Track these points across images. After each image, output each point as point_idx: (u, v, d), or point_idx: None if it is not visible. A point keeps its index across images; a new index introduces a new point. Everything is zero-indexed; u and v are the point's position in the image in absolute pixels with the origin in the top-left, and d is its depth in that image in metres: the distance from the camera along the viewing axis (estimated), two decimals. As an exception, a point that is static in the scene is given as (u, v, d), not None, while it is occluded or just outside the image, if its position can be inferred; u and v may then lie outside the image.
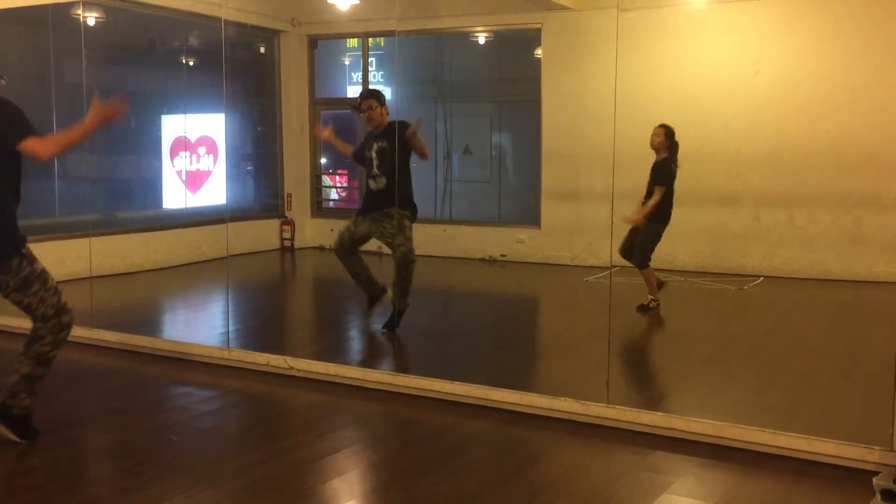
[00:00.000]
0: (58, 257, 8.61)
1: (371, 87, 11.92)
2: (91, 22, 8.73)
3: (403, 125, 6.22)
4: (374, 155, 6.35)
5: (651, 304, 7.37)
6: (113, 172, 10.41)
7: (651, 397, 5.01)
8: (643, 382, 5.35)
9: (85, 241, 7.89)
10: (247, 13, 10.63)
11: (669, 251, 9.66)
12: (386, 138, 6.32)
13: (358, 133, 11.70)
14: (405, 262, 6.27)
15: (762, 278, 9.09)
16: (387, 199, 6.28)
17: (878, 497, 3.50)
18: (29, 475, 3.82)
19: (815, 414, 4.73)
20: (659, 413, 4.38)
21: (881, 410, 3.95)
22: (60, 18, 8.56)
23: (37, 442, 4.20)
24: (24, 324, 6.65)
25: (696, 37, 9.51)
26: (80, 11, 8.15)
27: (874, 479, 3.56)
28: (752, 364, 5.89)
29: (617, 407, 4.47)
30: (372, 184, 6.42)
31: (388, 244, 6.45)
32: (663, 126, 7.28)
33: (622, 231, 7.46)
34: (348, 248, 6.50)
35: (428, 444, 4.28)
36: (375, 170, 6.34)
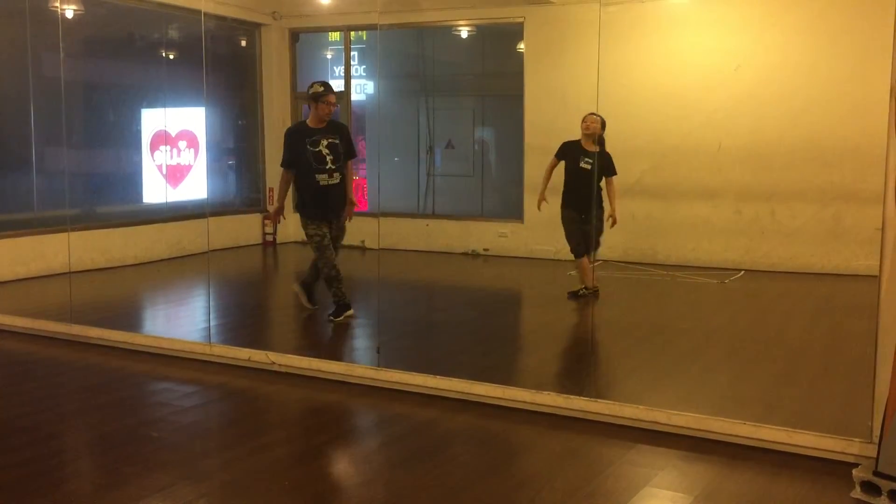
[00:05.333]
0: (36, 252, 8.56)
1: (352, 80, 11.88)
2: (69, 14, 8.63)
3: (339, 122, 6.51)
4: (325, 150, 6.36)
5: (582, 293, 7.48)
6: (92, 167, 10.31)
7: (633, 391, 5.02)
8: (625, 376, 5.36)
9: (64, 235, 7.81)
10: (227, 6, 10.55)
11: (651, 245, 9.72)
12: (336, 134, 6.42)
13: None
14: (337, 241, 6.59)
15: (743, 272, 9.15)
16: (341, 198, 6.46)
17: (858, 489, 3.53)
18: (7, 472, 3.78)
19: (796, 407, 4.77)
20: (641, 406, 4.39)
21: (861, 403, 3.98)
22: (38, 10, 8.46)
23: (15, 438, 4.15)
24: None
25: (678, 31, 9.54)
26: (57, 4, 8.05)
27: (854, 471, 3.59)
28: (733, 357, 5.92)
29: (599, 400, 4.48)
30: (323, 179, 6.39)
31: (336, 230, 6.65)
32: (596, 114, 7.29)
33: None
34: (335, 253, 6.65)
35: (411, 439, 4.27)
36: (330, 165, 6.36)
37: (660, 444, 4.14)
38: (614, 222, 7.30)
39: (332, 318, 6.69)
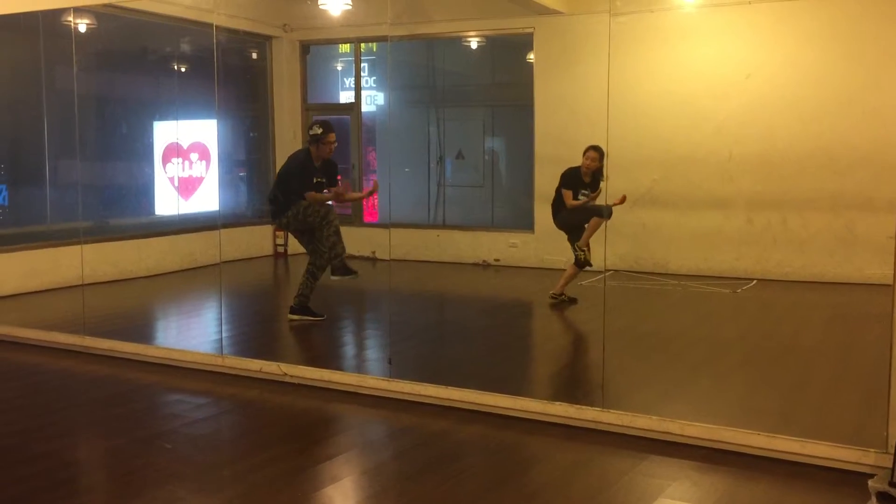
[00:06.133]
0: (50, 265, 8.62)
1: (363, 91, 11.92)
2: (82, 28, 8.71)
3: (334, 163, 7.13)
4: (324, 183, 7.01)
5: (557, 299, 7.86)
6: (105, 179, 10.38)
7: (645, 401, 5.00)
8: (638, 386, 5.34)
9: (77, 248, 7.85)
10: (239, 19, 10.62)
11: (662, 255, 9.69)
12: (325, 174, 6.98)
13: (351, 140, 11.71)
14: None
15: (755, 281, 9.11)
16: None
17: (874, 499, 3.50)
18: (21, 484, 3.79)
19: (810, 417, 4.73)
20: (653, 417, 4.37)
21: (876, 412, 3.95)
22: (51, 25, 8.54)
23: (28, 450, 4.17)
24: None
25: (688, 41, 9.54)
26: (71, 18, 8.12)
27: (869, 482, 3.56)
28: (746, 367, 5.89)
29: (611, 411, 4.47)
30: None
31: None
32: (598, 148, 7.61)
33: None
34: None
35: (422, 450, 4.26)
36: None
37: (673, 455, 4.12)
38: (622, 200, 7.52)
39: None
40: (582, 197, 7.69)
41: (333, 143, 6.91)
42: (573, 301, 7.89)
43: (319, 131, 6.86)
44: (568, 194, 7.74)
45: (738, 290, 8.69)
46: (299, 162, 7.01)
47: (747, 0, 9.03)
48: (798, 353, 6.32)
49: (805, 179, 9.05)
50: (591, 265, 7.74)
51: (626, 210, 9.58)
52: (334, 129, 6.99)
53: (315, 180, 6.90)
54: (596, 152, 7.62)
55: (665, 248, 9.69)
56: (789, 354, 6.26)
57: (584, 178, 7.71)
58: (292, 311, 7.17)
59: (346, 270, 7.06)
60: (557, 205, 7.87)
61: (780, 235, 9.23)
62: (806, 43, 8.99)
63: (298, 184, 6.86)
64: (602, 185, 7.71)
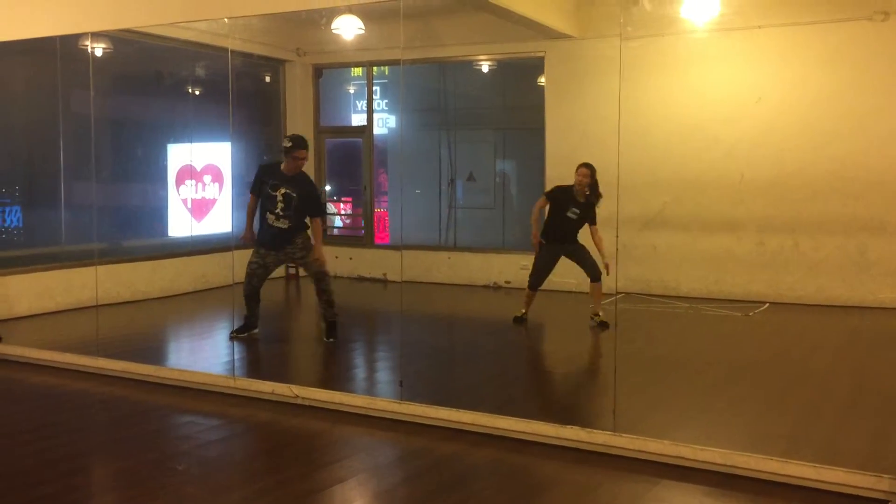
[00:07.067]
0: (64, 286, 8.68)
1: (375, 114, 12.01)
2: (99, 53, 8.82)
3: (311, 180, 7.20)
4: (279, 197, 6.92)
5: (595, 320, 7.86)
6: (119, 201, 10.46)
7: (658, 425, 4.98)
8: (650, 410, 5.32)
9: (91, 269, 7.92)
10: (253, 43, 10.74)
11: (674, 277, 9.68)
12: (295, 186, 6.93)
13: (363, 162, 11.79)
14: (320, 275, 7.12)
15: (767, 304, 9.07)
16: (288, 239, 7.02)
17: (889, 526, 3.47)
18: (33, 505, 3.81)
19: (823, 442, 4.70)
20: (666, 441, 4.35)
21: (890, 438, 3.92)
22: (68, 49, 8.65)
23: (41, 472, 4.19)
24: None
25: (699, 65, 9.58)
26: (88, 42, 8.23)
27: (884, 508, 3.53)
28: (758, 391, 5.86)
29: (623, 435, 4.45)
30: (273, 221, 6.98)
31: (301, 265, 7.44)
32: (589, 166, 7.69)
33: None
34: (261, 280, 7.19)
35: (433, 473, 4.26)
36: (280, 211, 6.94)
37: (685, 480, 4.10)
38: (608, 271, 7.52)
39: (235, 333, 7.25)
40: (571, 215, 7.70)
41: (302, 158, 6.94)
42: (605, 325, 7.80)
43: (289, 144, 6.95)
44: (540, 202, 7.88)
45: (751, 314, 8.65)
46: (263, 163, 7.21)
47: (757, 24, 9.08)
48: (811, 377, 6.28)
49: (817, 202, 9.04)
50: (606, 326, 7.75)
51: (637, 233, 9.62)
52: (306, 146, 7.05)
53: (282, 190, 6.89)
54: (587, 169, 7.66)
55: (676, 271, 9.69)
56: (802, 378, 6.22)
57: (577, 198, 7.71)
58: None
59: (244, 328, 7.29)
60: (547, 226, 7.90)
61: (793, 258, 9.20)
62: (817, 66, 9.01)
63: (254, 185, 7.06)
64: (598, 208, 7.72)
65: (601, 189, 7.68)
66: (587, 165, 7.69)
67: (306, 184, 7.06)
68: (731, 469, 4.12)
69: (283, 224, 6.97)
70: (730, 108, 9.36)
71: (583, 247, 7.81)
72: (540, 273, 7.94)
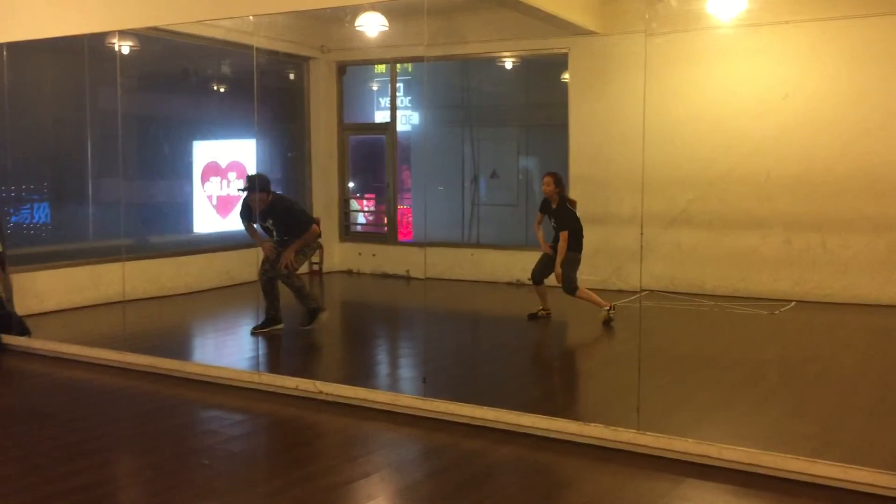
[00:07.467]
0: (91, 281, 8.78)
1: (398, 111, 12.01)
2: (126, 51, 8.91)
3: (287, 203, 7.58)
4: (270, 227, 7.49)
5: (611, 314, 7.84)
6: (145, 197, 10.57)
7: (682, 423, 4.95)
8: (674, 408, 5.29)
9: (118, 265, 8.01)
10: (278, 40, 10.79)
11: (699, 275, 9.61)
12: (273, 216, 7.42)
13: (386, 159, 11.81)
14: (284, 279, 7.42)
15: (794, 303, 8.99)
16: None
17: (918, 528, 3.43)
18: (61, 499, 3.86)
19: (851, 441, 4.65)
20: (690, 440, 4.33)
21: (919, 438, 3.87)
22: (96, 47, 8.75)
23: (70, 464, 4.25)
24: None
25: (725, 61, 9.49)
26: (115, 40, 8.32)
27: (913, 509, 3.49)
28: (785, 390, 5.81)
29: (648, 433, 4.43)
30: (275, 239, 7.54)
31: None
32: (552, 174, 7.98)
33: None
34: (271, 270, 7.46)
35: (456, 470, 4.26)
36: (277, 237, 7.51)
37: (710, 479, 4.07)
38: (558, 279, 7.84)
39: (257, 330, 7.45)
40: (553, 221, 8.00)
41: (258, 200, 7.28)
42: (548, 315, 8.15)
43: (242, 188, 7.61)
44: (538, 217, 8.23)
45: (777, 312, 8.58)
46: (245, 198, 7.56)
47: (785, 20, 8.98)
48: (839, 375, 6.22)
49: (845, 200, 8.93)
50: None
51: (661, 230, 9.56)
52: (260, 187, 7.31)
53: (269, 221, 7.41)
54: (550, 177, 7.96)
55: (701, 269, 9.62)
56: (830, 377, 6.16)
57: (552, 206, 7.99)
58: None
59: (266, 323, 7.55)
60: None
61: (820, 256, 9.10)
62: (844, 62, 8.90)
63: (242, 212, 7.57)
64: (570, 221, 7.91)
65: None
66: (551, 174, 7.98)
67: (281, 210, 7.44)
68: (757, 468, 4.09)
69: (285, 239, 7.48)
70: (756, 105, 9.27)
71: (571, 261, 7.85)
72: (534, 269, 8.13)
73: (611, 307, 7.85)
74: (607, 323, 7.81)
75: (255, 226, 7.54)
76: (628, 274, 9.58)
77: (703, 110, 9.50)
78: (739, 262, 9.42)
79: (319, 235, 7.73)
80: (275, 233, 7.50)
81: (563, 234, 7.82)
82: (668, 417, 5.00)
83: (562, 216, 7.94)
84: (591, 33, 9.78)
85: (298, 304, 7.53)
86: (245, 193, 7.49)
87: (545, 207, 8.10)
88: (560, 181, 7.97)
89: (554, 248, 7.97)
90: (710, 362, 6.65)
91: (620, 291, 9.54)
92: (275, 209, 7.39)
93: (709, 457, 4.22)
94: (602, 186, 9.94)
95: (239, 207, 7.71)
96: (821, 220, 9.06)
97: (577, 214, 8.03)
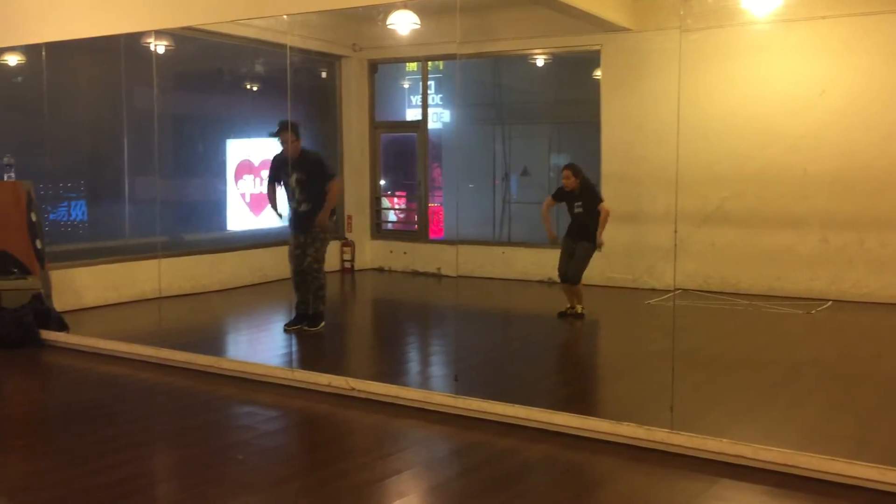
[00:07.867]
0: (128, 278, 8.91)
1: (429, 109, 12.03)
2: (161, 50, 9.02)
3: (316, 156, 7.43)
4: (294, 184, 7.26)
5: (578, 314, 8.09)
6: (180, 195, 10.69)
7: (717, 423, 4.91)
8: (708, 408, 5.24)
9: (154, 262, 8.12)
10: (310, 39, 10.85)
11: (733, 274, 9.50)
12: (303, 170, 7.22)
13: (417, 156, 11.84)
14: (311, 271, 7.31)
15: (831, 302, 8.85)
16: (310, 220, 7.27)
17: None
18: (98, 493, 3.92)
19: (889, 442, 4.58)
20: (725, 440, 4.29)
21: (960, 441, 3.80)
22: (132, 47, 8.87)
23: (105, 459, 4.32)
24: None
25: (761, 57, 9.36)
26: (151, 40, 8.43)
27: (954, 513, 3.43)
28: (821, 390, 5.73)
29: (681, 433, 4.40)
30: (297, 207, 7.33)
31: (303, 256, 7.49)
32: (569, 166, 8.13)
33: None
34: (300, 262, 7.34)
35: (489, 468, 4.26)
36: (299, 197, 7.28)
37: (745, 480, 4.03)
38: (600, 246, 7.98)
39: (288, 326, 7.41)
40: (578, 209, 8.05)
41: (286, 141, 7.15)
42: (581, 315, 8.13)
43: (276, 130, 7.26)
44: (547, 201, 8.31)
45: (813, 312, 8.46)
46: (275, 155, 7.46)
47: (821, 15, 8.84)
48: (876, 376, 6.12)
49: (883, 198, 8.78)
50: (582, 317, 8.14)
51: (695, 228, 9.47)
52: (288, 127, 7.12)
53: (294, 177, 7.20)
54: (568, 170, 8.06)
55: (735, 267, 9.51)
56: (867, 377, 6.07)
57: (574, 192, 8.06)
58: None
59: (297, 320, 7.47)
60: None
61: (857, 255, 8.96)
62: (881, 58, 8.74)
63: (270, 175, 7.48)
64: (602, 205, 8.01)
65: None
66: (568, 167, 8.11)
67: (310, 162, 7.29)
68: (794, 469, 4.04)
69: (305, 208, 7.27)
70: (792, 101, 9.14)
71: (587, 249, 7.99)
72: (561, 266, 8.15)
73: (582, 313, 8.06)
74: (563, 315, 8.08)
75: (278, 190, 7.43)
76: (661, 272, 9.50)
77: (738, 107, 9.39)
78: (775, 260, 9.29)
79: (342, 192, 7.66)
80: (298, 192, 7.28)
81: (602, 207, 7.96)
82: (702, 417, 4.96)
83: (589, 195, 8.07)
84: (623, 30, 9.71)
85: (311, 300, 7.40)
86: (276, 143, 7.32)
87: (561, 195, 8.17)
88: (578, 171, 8.08)
89: (569, 236, 8.11)
90: (745, 362, 6.58)
91: (653, 290, 9.48)
92: (305, 160, 7.28)
93: (744, 457, 4.18)
94: (634, 184, 9.87)
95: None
96: (858, 218, 8.91)
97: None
